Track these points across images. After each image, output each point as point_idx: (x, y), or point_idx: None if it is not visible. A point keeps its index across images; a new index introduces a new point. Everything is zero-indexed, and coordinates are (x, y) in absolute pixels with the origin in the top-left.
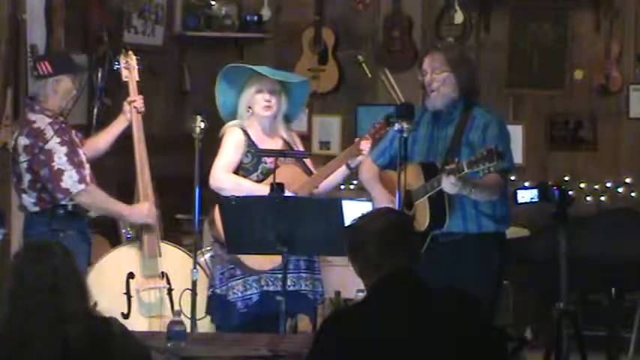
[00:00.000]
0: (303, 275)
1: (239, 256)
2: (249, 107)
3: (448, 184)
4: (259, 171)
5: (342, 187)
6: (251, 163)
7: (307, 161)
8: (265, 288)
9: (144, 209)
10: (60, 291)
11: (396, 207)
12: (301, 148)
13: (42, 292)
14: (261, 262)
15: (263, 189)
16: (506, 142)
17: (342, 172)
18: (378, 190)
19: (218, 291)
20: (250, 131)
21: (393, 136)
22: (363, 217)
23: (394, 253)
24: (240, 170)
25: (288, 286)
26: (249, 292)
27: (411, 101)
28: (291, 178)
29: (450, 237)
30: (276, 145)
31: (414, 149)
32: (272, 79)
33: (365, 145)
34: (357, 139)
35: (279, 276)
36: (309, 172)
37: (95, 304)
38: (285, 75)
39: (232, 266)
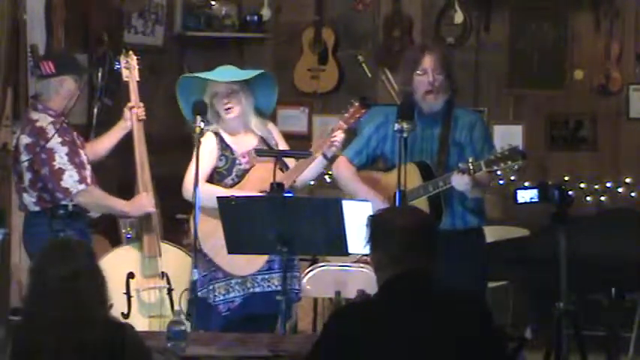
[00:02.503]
0: (288, 274)
1: (218, 263)
2: (216, 112)
3: (461, 183)
4: (234, 174)
5: None
6: (225, 167)
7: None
8: (251, 290)
9: (143, 200)
10: (80, 294)
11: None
12: (282, 142)
13: (62, 294)
14: (241, 267)
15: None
16: (491, 140)
17: (319, 162)
18: (364, 190)
19: (199, 294)
20: (224, 134)
21: (370, 135)
22: (392, 210)
23: (415, 253)
24: (215, 175)
25: (276, 286)
26: (231, 295)
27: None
28: (267, 176)
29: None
30: (251, 143)
31: (395, 149)
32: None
33: (338, 133)
34: (330, 127)
35: (266, 276)
36: (286, 169)
37: (111, 305)
38: (233, 74)
39: (214, 269)
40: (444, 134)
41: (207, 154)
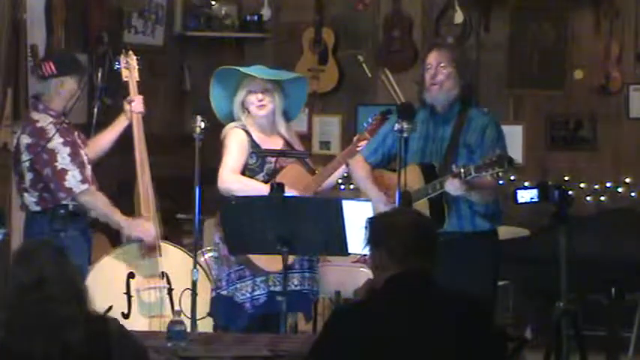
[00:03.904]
0: (307, 275)
1: (249, 256)
2: (246, 108)
3: (452, 187)
4: (265, 171)
5: (342, 187)
6: (256, 163)
7: (308, 160)
8: (272, 288)
9: (144, 225)
10: (51, 297)
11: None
12: (300, 148)
13: (32, 300)
14: (271, 263)
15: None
16: (504, 143)
17: (341, 170)
18: (374, 192)
19: (224, 292)
20: (251, 131)
21: (386, 134)
22: (395, 212)
23: (418, 254)
24: (246, 171)
25: (295, 286)
26: (257, 293)
27: (410, 101)
28: (297, 178)
29: (444, 236)
30: (277, 144)
31: (409, 149)
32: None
33: (363, 144)
34: (355, 138)
35: (288, 276)
36: (312, 172)
37: (110, 308)
38: (274, 73)
39: (241, 267)
40: (453, 135)
41: (239, 147)
